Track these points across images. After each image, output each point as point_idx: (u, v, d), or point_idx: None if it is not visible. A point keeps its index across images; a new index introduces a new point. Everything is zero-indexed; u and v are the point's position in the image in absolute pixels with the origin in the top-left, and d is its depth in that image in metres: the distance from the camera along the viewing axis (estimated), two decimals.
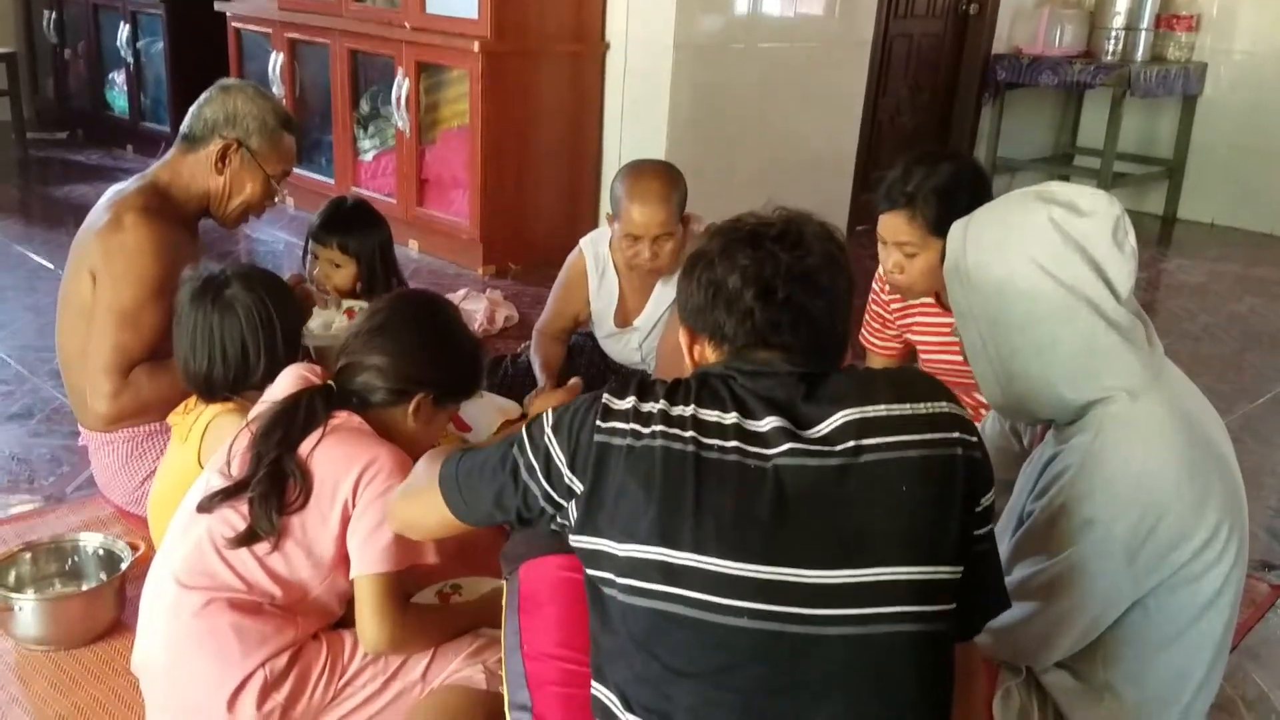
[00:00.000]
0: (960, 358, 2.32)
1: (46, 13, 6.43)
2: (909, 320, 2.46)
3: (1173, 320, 4.23)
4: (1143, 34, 5.61)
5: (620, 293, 2.75)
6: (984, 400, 2.34)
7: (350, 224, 2.67)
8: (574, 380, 2.35)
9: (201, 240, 2.46)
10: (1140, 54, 5.62)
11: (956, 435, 1.21)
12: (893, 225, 2.17)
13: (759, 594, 1.12)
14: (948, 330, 2.36)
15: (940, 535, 1.18)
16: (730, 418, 1.19)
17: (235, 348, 1.93)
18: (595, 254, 2.74)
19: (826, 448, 1.17)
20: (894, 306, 2.48)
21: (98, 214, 2.26)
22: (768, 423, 1.18)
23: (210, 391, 1.98)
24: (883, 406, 1.20)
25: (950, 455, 1.20)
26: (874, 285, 2.51)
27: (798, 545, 1.14)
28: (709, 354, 1.31)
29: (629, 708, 1.18)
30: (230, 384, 1.96)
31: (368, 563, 1.60)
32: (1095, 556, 1.47)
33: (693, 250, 1.34)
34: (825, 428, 1.18)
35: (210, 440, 1.95)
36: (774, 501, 1.14)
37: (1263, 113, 5.62)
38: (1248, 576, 1.63)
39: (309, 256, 2.70)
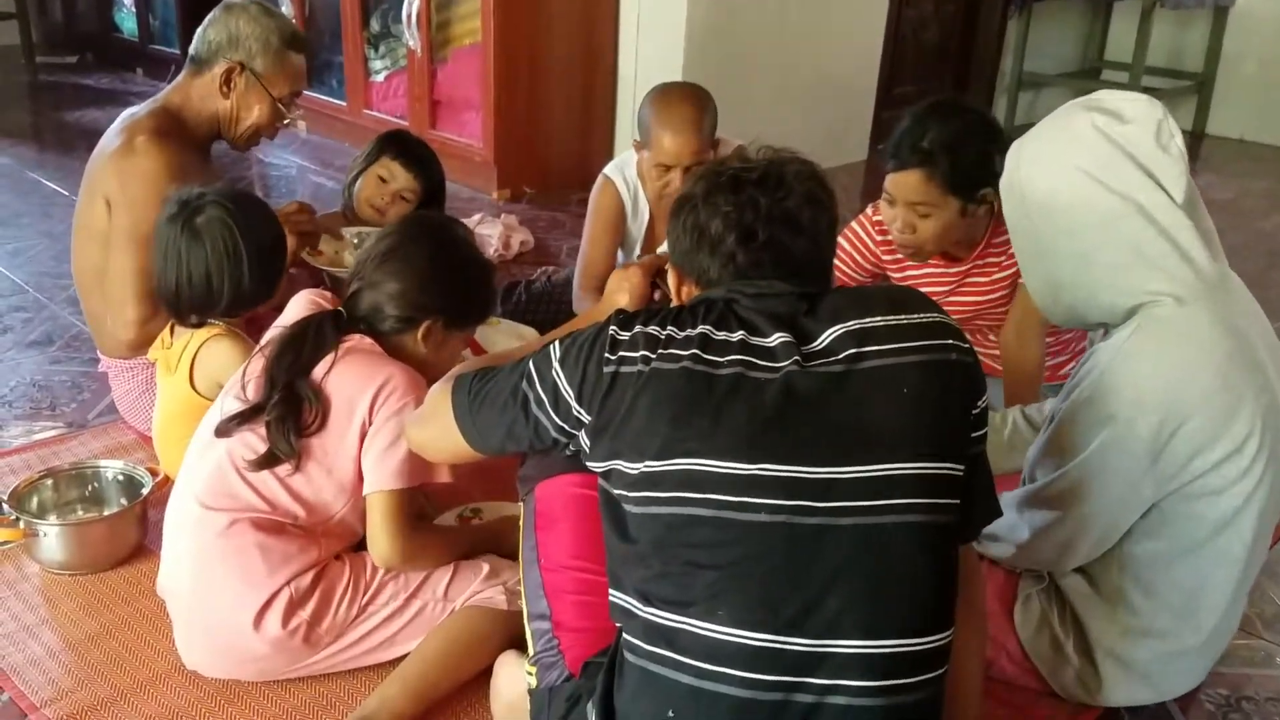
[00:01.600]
0: (966, 302, 2.31)
1: None
2: (909, 273, 2.39)
3: None
4: None
5: (650, 219, 2.69)
6: (994, 342, 2.34)
7: (426, 157, 2.59)
8: (658, 253, 2.30)
9: (215, 164, 2.43)
10: None
11: (950, 341, 1.26)
12: (906, 184, 2.09)
13: (774, 490, 1.17)
14: (953, 279, 2.32)
15: (941, 433, 1.23)
16: (737, 335, 1.23)
17: (200, 275, 1.93)
18: (625, 180, 2.64)
19: (828, 358, 1.22)
20: (888, 258, 2.40)
21: (110, 138, 2.24)
22: (775, 338, 1.23)
23: (179, 314, 1.99)
24: (879, 318, 1.24)
25: (946, 360, 1.24)
26: (861, 222, 2.41)
27: (808, 446, 1.18)
28: (696, 294, 1.35)
29: (648, 603, 1.22)
30: (197, 309, 1.97)
31: (380, 479, 1.62)
32: (1116, 454, 1.49)
33: (678, 195, 1.38)
34: (824, 340, 1.23)
35: (202, 364, 1.97)
36: (784, 408, 1.19)
37: None
38: None
39: (360, 177, 2.58)
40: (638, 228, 2.70)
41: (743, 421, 1.19)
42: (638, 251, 2.73)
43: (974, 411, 1.27)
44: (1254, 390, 1.48)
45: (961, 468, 1.24)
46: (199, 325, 1.98)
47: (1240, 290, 1.59)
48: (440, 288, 1.72)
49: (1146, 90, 5.46)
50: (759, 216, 1.29)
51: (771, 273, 1.30)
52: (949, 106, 2.16)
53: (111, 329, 2.22)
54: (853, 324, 1.23)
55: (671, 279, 1.41)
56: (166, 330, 2.04)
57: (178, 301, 1.96)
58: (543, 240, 3.76)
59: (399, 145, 2.58)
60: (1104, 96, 1.54)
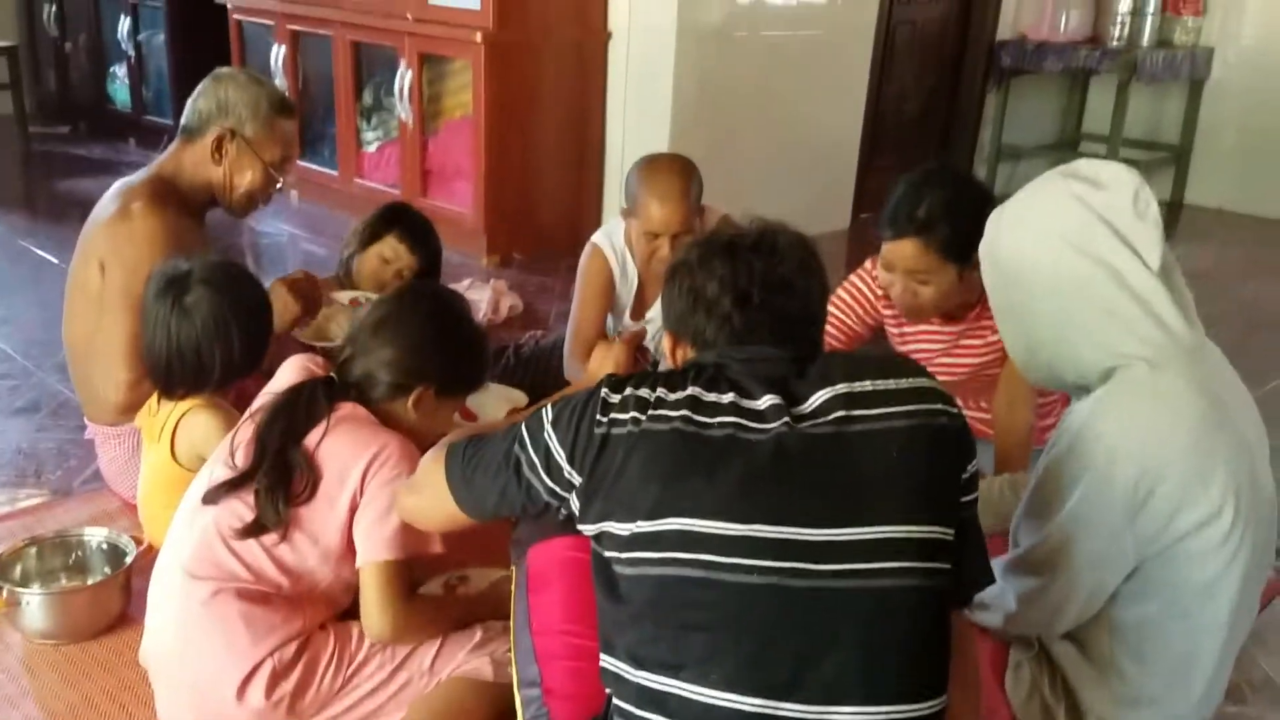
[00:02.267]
0: (960, 363, 2.33)
1: (48, 6, 6.42)
2: (905, 330, 2.42)
3: None
4: (1149, 19, 5.57)
5: (640, 285, 2.72)
6: (986, 406, 2.36)
7: (429, 234, 2.61)
8: (637, 328, 2.28)
9: (208, 232, 2.46)
10: (1146, 39, 5.58)
11: (939, 406, 1.28)
12: (903, 253, 2.12)
13: (767, 552, 1.18)
14: (949, 338, 2.35)
15: (933, 497, 1.24)
16: (727, 397, 1.25)
17: (191, 352, 1.95)
18: (613, 247, 2.68)
19: (817, 419, 1.24)
20: (888, 313, 2.43)
21: (105, 205, 2.26)
22: (765, 400, 1.25)
23: (168, 388, 2.00)
24: (868, 382, 1.27)
25: (936, 424, 1.26)
26: (860, 275, 2.44)
27: (801, 507, 1.20)
28: (691, 357, 1.38)
29: (640, 666, 1.22)
30: (189, 384, 1.99)
31: (373, 550, 1.60)
32: (1094, 507, 1.49)
33: (673, 260, 1.42)
34: (814, 402, 1.26)
35: (183, 436, 1.98)
36: (775, 469, 1.21)
37: (1270, 98, 5.58)
38: None
39: (357, 252, 2.59)
40: (626, 293, 2.73)
41: (734, 482, 1.20)
42: (627, 316, 2.75)
43: (964, 475, 1.29)
44: (1228, 454, 1.49)
45: (952, 531, 1.25)
46: (185, 398, 1.99)
47: (1218, 360, 1.60)
48: (433, 355, 1.73)
49: (1125, 161, 5.56)
50: (754, 280, 1.33)
51: (767, 336, 1.33)
52: (941, 174, 2.20)
53: (101, 392, 2.23)
54: (842, 387, 1.26)
55: (666, 343, 1.43)
56: (154, 398, 2.04)
57: (168, 376, 1.97)
58: (532, 304, 3.79)
59: (402, 224, 2.60)
60: (1082, 165, 1.58)
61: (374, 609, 1.61)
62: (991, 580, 1.38)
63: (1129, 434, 1.47)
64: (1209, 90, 5.76)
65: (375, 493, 1.60)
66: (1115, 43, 5.56)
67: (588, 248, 2.71)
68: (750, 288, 1.33)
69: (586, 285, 2.69)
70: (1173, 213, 5.86)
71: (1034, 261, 1.53)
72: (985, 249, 1.62)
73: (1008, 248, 1.57)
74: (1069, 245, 1.50)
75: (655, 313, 2.73)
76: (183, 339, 1.94)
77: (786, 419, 1.23)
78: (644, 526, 1.21)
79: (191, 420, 1.97)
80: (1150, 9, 5.56)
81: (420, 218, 2.69)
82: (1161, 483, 1.46)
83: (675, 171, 2.48)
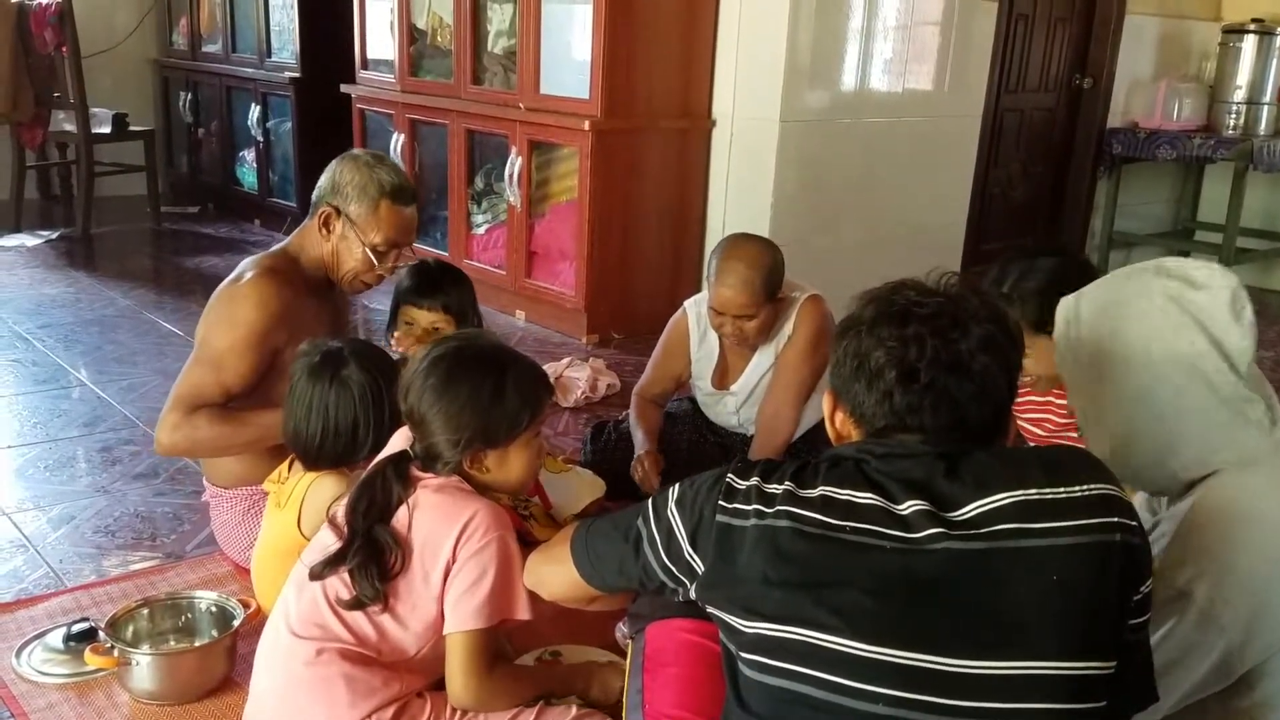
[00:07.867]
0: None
1: (183, 94, 6.83)
2: (1029, 397, 2.38)
3: None
4: (1265, 108, 5.46)
5: (721, 353, 2.77)
6: None
7: (444, 282, 2.52)
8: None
9: (344, 305, 2.50)
10: (1263, 128, 5.47)
11: (1114, 520, 1.14)
12: None
13: (896, 680, 1.09)
14: (1063, 412, 2.29)
15: (1094, 628, 1.12)
16: (865, 497, 1.16)
17: (347, 423, 1.99)
18: (698, 314, 2.77)
19: (972, 531, 1.12)
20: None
21: (231, 275, 2.35)
22: (909, 506, 1.14)
23: (317, 461, 2.03)
24: (1034, 490, 1.14)
25: (1106, 541, 1.13)
26: None
27: (940, 631, 1.10)
28: (850, 426, 1.28)
29: None
30: (338, 456, 2.02)
31: (460, 620, 1.62)
32: (1194, 626, 1.40)
33: (847, 314, 1.29)
34: (971, 511, 1.14)
35: (310, 504, 2.01)
36: (914, 584, 1.11)
37: None
38: None
39: (396, 323, 2.52)
40: (706, 360, 2.79)
41: (866, 594, 1.11)
42: (709, 383, 2.79)
43: (1135, 598, 1.16)
44: None
45: (1112, 664, 1.13)
46: (328, 469, 2.03)
47: None
48: (462, 419, 1.66)
49: (1241, 250, 5.41)
50: (923, 356, 1.18)
51: (929, 418, 1.19)
52: (1031, 251, 2.18)
53: (157, 428, 2.24)
54: (1004, 497, 1.13)
55: (826, 402, 1.32)
56: (285, 465, 2.11)
57: (319, 451, 2.01)
58: (629, 383, 3.79)
59: (409, 288, 2.50)
60: (1170, 264, 1.50)
61: (458, 676, 1.63)
62: (1154, 700, 1.26)
63: (1221, 551, 1.38)
64: None
65: (464, 562, 1.62)
66: (1230, 131, 5.45)
67: (679, 310, 2.83)
68: (919, 364, 1.18)
69: (662, 343, 2.84)
70: None
71: (1128, 361, 1.46)
72: (1064, 341, 1.55)
73: (1097, 345, 1.50)
74: (1162, 347, 1.43)
75: (738, 386, 2.74)
76: (341, 410, 1.98)
77: (933, 529, 1.11)
78: (767, 629, 1.15)
79: (320, 487, 2.00)
80: (1267, 98, 5.45)
81: (427, 271, 2.50)
82: (1264, 590, 1.37)
83: (746, 260, 2.52)
